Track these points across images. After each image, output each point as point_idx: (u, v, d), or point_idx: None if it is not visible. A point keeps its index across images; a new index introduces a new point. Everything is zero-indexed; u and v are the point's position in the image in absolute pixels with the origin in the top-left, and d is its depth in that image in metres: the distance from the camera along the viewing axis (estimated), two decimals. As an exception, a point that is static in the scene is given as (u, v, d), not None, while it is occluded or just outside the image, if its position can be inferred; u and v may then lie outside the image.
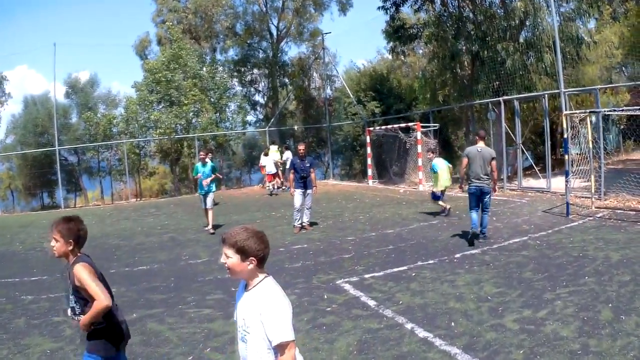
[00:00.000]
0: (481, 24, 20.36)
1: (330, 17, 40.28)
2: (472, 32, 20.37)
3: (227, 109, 30.25)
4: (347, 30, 45.58)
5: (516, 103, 17.85)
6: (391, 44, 25.19)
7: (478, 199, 9.84)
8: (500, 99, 18.13)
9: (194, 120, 29.24)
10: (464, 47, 21.32)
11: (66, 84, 34.01)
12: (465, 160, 9.99)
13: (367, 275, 7.94)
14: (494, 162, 9.79)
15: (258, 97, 37.42)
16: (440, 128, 22.40)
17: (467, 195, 10.13)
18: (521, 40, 19.96)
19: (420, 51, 35.91)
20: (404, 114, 25.83)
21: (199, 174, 13.24)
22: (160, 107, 29.49)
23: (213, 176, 13.44)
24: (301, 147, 12.78)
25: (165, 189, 38.31)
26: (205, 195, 13.33)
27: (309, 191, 12.43)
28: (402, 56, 26.11)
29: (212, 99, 29.17)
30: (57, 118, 29.14)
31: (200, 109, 29.22)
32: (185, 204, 21.66)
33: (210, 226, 13.36)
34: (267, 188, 23.13)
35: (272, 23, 34.70)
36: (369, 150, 24.00)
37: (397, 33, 23.12)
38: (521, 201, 15.11)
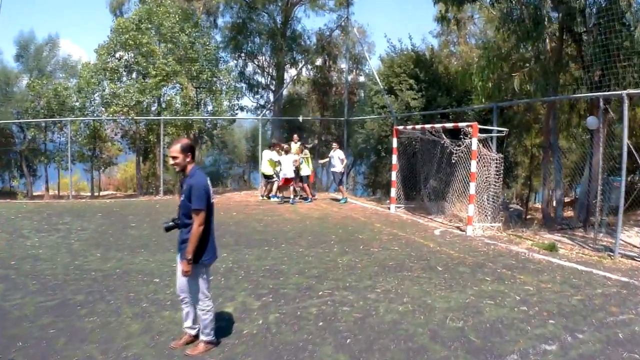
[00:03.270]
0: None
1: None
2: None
3: (213, 87, 23.43)
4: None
5: (650, 101, 10.59)
6: (440, 7, 17.96)
7: None
8: (624, 92, 10.76)
9: (167, 99, 22.72)
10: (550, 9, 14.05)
11: (17, 44, 27.55)
12: None
13: None
14: None
15: (260, 78, 30.31)
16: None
17: None
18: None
19: (474, 41, 30.04)
20: (451, 109, 18.69)
21: None
22: (131, 78, 23.11)
23: None
24: (172, 150, 5.42)
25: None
26: None
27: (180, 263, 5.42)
28: (455, 27, 18.88)
29: (193, 73, 22.43)
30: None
31: (181, 86, 22.76)
32: (127, 211, 16.19)
33: None
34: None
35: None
36: (394, 159, 16.86)
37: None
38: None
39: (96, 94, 22.62)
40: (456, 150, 13.72)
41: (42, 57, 27.61)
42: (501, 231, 13.02)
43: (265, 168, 19.15)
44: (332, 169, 18.91)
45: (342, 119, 24.10)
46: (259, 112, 29.22)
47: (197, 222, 5.19)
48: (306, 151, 18.83)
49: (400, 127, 16.84)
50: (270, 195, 19.28)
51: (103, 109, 22.63)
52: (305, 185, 18.84)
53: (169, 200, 19.54)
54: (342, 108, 25.51)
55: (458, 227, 13.54)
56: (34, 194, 26.33)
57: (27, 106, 24.00)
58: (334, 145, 19.18)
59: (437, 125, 14.56)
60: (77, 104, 23.31)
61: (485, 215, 13.31)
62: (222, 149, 28.53)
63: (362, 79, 30.70)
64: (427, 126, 15.17)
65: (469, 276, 8.57)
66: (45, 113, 23.20)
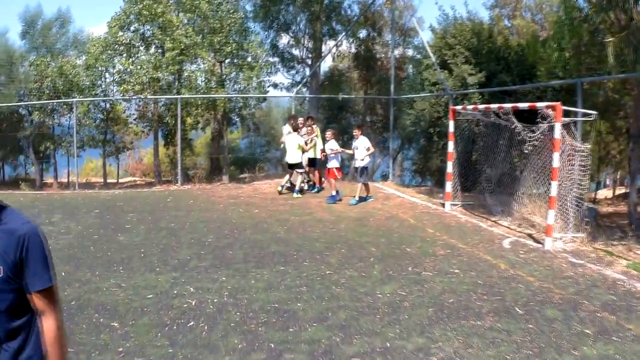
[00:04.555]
0: None
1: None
2: None
3: (241, 62, 21.16)
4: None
5: None
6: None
7: None
8: None
9: (185, 75, 20.65)
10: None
11: (22, 20, 25.56)
12: None
13: None
14: None
15: (295, 51, 27.77)
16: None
17: None
18: None
19: (529, 15, 28.24)
20: (522, 86, 16.09)
21: None
22: (147, 53, 21.08)
23: None
24: None
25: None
26: None
27: None
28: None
29: (216, 45, 20.18)
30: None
31: (203, 60, 20.68)
32: (130, 206, 14.11)
33: None
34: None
35: None
36: (450, 146, 14.25)
37: None
38: None
39: (107, 72, 20.68)
40: (530, 137, 11.03)
41: (50, 33, 25.62)
42: (585, 244, 10.30)
43: (293, 155, 15.67)
44: (356, 164, 15.13)
45: (388, 97, 21.58)
46: (294, 89, 26.91)
47: (53, 314, 2.35)
48: (317, 130, 16.30)
49: (459, 108, 14.19)
50: (295, 190, 15.86)
51: (115, 88, 20.70)
52: (317, 171, 16.60)
53: (185, 192, 17.44)
54: (387, 85, 22.97)
55: (530, 236, 10.94)
56: (46, 181, 24.87)
57: (31, 87, 22.22)
58: (355, 131, 15.27)
59: (507, 105, 11.82)
60: (86, 83, 21.38)
61: (566, 223, 10.62)
62: (254, 130, 26.35)
63: (410, 52, 28.19)
64: (494, 106, 12.47)
65: (561, 327, 6.05)
66: (50, 94, 21.35)
